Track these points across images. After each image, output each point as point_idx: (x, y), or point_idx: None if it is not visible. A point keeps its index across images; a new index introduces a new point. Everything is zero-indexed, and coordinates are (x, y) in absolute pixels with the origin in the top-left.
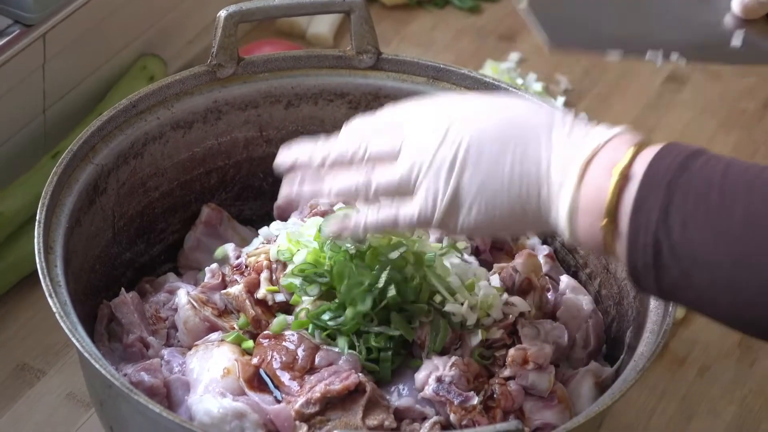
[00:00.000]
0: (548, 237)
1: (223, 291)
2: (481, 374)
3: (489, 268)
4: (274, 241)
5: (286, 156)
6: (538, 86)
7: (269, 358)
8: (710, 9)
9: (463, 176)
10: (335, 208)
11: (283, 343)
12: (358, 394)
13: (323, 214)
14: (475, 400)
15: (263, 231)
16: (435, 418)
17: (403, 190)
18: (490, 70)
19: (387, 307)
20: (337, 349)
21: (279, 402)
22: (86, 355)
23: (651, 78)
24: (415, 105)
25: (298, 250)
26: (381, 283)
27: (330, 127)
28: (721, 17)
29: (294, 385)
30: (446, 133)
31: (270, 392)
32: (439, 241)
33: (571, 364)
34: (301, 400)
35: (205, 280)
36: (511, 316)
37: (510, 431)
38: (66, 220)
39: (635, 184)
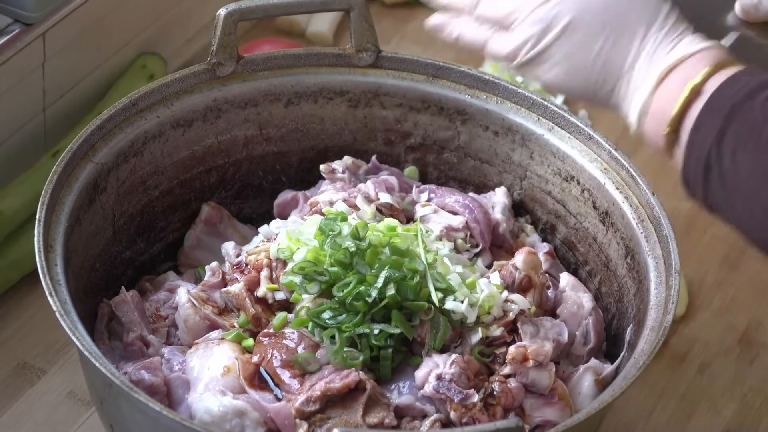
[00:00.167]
0: (548, 235)
1: (224, 289)
2: (482, 372)
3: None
4: (274, 239)
5: None
6: (537, 84)
7: (269, 356)
8: (713, 7)
9: (555, 39)
10: (334, 207)
11: (284, 341)
12: (359, 392)
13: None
14: (476, 398)
15: (263, 229)
16: (435, 416)
17: (502, 24)
18: (489, 67)
19: (387, 305)
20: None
21: (279, 400)
22: (86, 353)
23: None
24: None
25: (298, 248)
26: (380, 282)
27: (330, 125)
28: (722, 16)
29: (294, 383)
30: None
31: (270, 390)
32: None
33: (572, 361)
34: (301, 398)
35: (206, 279)
36: (511, 313)
37: (510, 428)
38: (66, 219)
39: (701, 102)
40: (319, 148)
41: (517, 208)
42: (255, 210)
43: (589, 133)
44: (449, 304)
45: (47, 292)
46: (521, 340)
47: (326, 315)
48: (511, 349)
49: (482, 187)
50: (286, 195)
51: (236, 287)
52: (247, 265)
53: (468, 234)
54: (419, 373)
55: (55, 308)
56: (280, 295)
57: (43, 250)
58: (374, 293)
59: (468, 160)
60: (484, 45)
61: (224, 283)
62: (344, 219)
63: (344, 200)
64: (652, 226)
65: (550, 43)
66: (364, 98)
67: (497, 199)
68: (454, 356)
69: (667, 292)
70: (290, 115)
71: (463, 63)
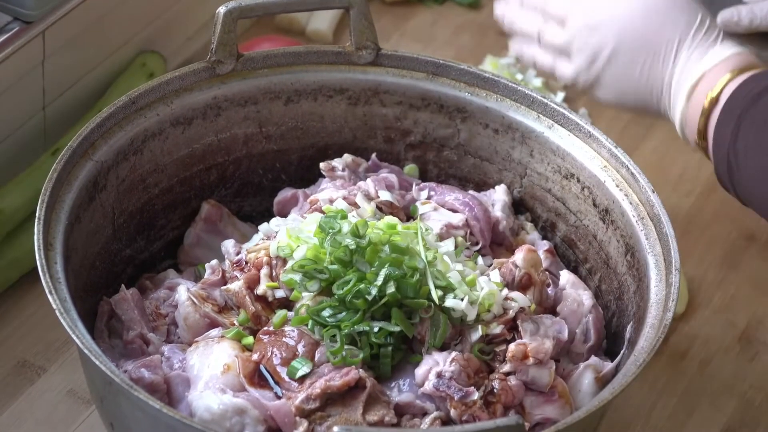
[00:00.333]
0: (548, 232)
1: (223, 287)
2: (482, 370)
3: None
4: (274, 237)
5: None
6: (537, 81)
7: (269, 354)
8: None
9: (603, 67)
10: (334, 204)
11: (284, 339)
12: (359, 389)
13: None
14: (476, 396)
15: (263, 227)
16: (435, 414)
17: (563, 52)
18: (489, 65)
19: (387, 303)
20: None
21: (279, 398)
22: (86, 351)
23: None
24: None
25: (298, 246)
26: (380, 280)
27: (330, 123)
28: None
29: (294, 381)
30: (597, 26)
31: (270, 388)
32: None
33: (572, 359)
34: (301, 396)
35: (206, 277)
36: (511, 311)
37: (510, 426)
38: (66, 217)
39: (718, 110)
40: (319, 146)
41: (517, 206)
42: (255, 208)
43: (589, 130)
44: (449, 301)
45: (47, 291)
46: (521, 338)
47: (326, 313)
48: (511, 346)
49: (482, 185)
50: (286, 193)
51: (236, 285)
52: (247, 263)
53: (468, 232)
54: (419, 371)
55: (54, 306)
56: (280, 293)
57: (42, 248)
58: (374, 291)
59: (468, 157)
60: (551, 70)
61: (224, 281)
62: (344, 217)
63: (344, 198)
64: (652, 223)
65: (599, 71)
66: (364, 96)
67: (497, 197)
68: (454, 354)
69: (667, 290)
70: (290, 113)
71: (463, 61)
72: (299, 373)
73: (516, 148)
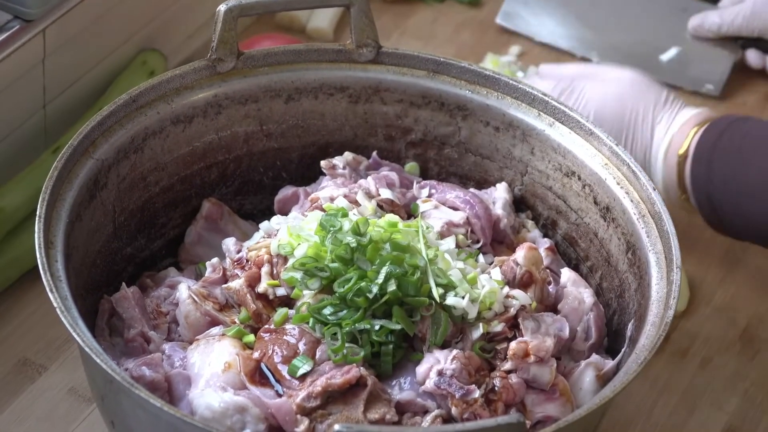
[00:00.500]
0: (549, 230)
1: (224, 285)
2: (483, 367)
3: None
4: (275, 235)
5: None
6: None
7: (270, 352)
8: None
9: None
10: (334, 203)
11: (284, 337)
12: (360, 387)
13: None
14: (477, 394)
15: (264, 225)
16: (436, 412)
17: None
18: (490, 63)
19: (388, 301)
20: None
21: (280, 396)
22: (87, 350)
23: None
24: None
25: (299, 244)
26: (381, 278)
27: (330, 121)
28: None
29: (295, 379)
30: (583, 108)
31: (271, 386)
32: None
33: (573, 357)
34: (302, 394)
35: (206, 275)
36: (512, 309)
37: (511, 424)
38: (66, 215)
39: (690, 160)
40: (320, 144)
41: (518, 204)
42: (256, 206)
43: (589, 128)
44: (450, 299)
45: (48, 289)
46: (522, 336)
47: (327, 311)
48: (512, 344)
49: (483, 183)
50: (286, 191)
51: (237, 283)
52: (247, 261)
53: (469, 230)
54: (420, 369)
55: (55, 305)
56: (281, 291)
57: (43, 247)
58: (375, 289)
59: (469, 155)
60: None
61: (225, 279)
62: (345, 215)
63: (345, 196)
64: (653, 221)
65: None
66: (365, 94)
67: (498, 195)
68: (455, 352)
69: (668, 288)
70: (291, 111)
71: (464, 58)
72: (300, 372)
73: (517, 145)
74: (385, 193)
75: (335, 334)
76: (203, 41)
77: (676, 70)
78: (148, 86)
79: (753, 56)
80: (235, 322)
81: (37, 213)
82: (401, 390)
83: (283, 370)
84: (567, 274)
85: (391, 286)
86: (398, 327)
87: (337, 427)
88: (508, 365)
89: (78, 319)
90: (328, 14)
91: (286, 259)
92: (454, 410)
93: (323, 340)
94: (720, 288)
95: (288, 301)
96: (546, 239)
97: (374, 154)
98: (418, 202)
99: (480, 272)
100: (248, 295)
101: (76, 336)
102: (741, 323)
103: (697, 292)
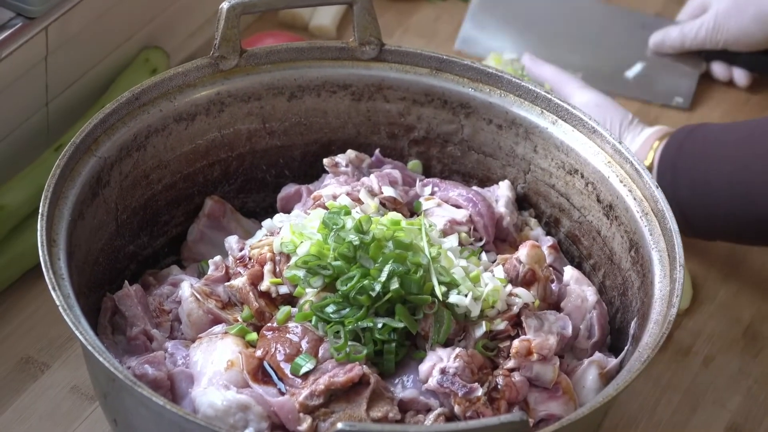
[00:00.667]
0: (552, 228)
1: (227, 283)
2: (485, 366)
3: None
4: (278, 233)
5: None
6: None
7: (273, 350)
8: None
9: None
10: (337, 200)
11: (287, 335)
12: (362, 386)
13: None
14: (480, 392)
15: (266, 223)
16: (439, 410)
17: None
18: (492, 61)
19: (390, 299)
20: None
21: (283, 394)
22: (90, 348)
23: None
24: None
25: (302, 242)
26: (384, 276)
27: (333, 118)
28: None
29: (298, 378)
30: None
31: (274, 384)
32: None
33: (576, 355)
34: (305, 392)
35: (209, 273)
36: (515, 307)
37: (514, 422)
38: (69, 213)
39: (655, 171)
40: (323, 142)
41: (521, 202)
42: (258, 204)
43: (592, 126)
44: (453, 297)
45: (50, 287)
46: (525, 334)
47: (330, 309)
48: (515, 342)
49: (486, 181)
50: (289, 189)
51: (240, 281)
52: (250, 259)
53: (472, 227)
54: (423, 367)
55: (58, 303)
56: (284, 289)
57: (46, 245)
58: (378, 287)
59: (471, 153)
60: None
61: (227, 277)
62: (348, 213)
63: (347, 194)
64: (656, 219)
65: None
66: (368, 92)
67: (501, 193)
68: (458, 350)
69: (672, 286)
70: (293, 108)
71: (467, 56)
72: (303, 370)
73: (520, 143)
74: (388, 191)
75: (338, 332)
76: (206, 39)
77: (643, 85)
78: (151, 84)
79: (719, 69)
80: (237, 320)
81: (40, 211)
82: (404, 388)
83: (286, 368)
84: (570, 272)
85: (394, 284)
86: (401, 325)
87: (339, 425)
88: (510, 363)
89: (80, 317)
90: (331, 12)
91: (288, 257)
92: (457, 408)
93: (326, 338)
94: (723, 286)
95: (291, 299)
96: (549, 237)
97: (377, 151)
98: (421, 200)
99: (483, 270)
100: (251, 293)
101: (78, 334)
102: (744, 321)
103: (700, 290)
